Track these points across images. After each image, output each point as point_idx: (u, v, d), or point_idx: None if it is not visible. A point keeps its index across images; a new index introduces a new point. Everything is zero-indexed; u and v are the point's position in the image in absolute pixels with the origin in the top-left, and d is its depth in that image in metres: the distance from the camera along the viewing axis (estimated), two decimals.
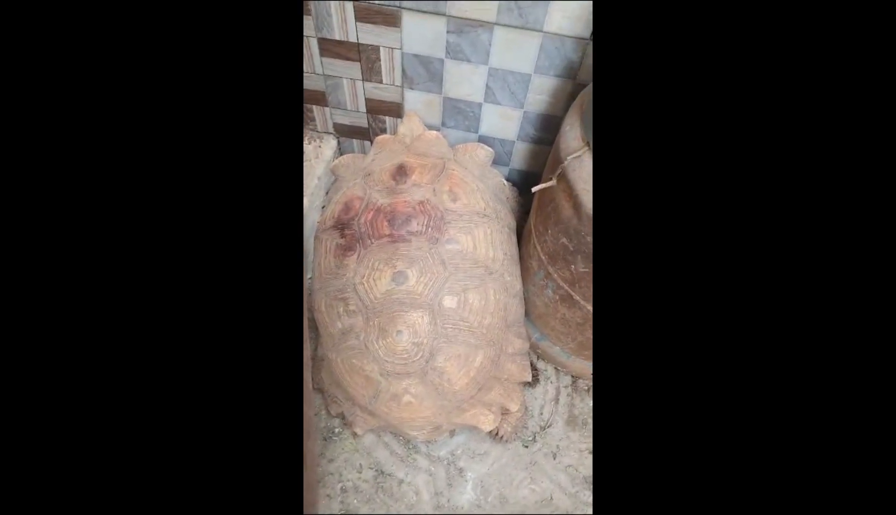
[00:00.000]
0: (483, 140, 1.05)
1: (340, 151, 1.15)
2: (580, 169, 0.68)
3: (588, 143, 0.68)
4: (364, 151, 1.13)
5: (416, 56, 0.90)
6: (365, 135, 1.10)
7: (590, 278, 0.77)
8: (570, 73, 0.89)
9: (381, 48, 0.90)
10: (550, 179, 0.73)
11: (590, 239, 0.70)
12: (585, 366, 1.01)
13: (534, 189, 0.75)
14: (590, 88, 0.74)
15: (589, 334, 0.90)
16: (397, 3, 0.82)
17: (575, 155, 0.68)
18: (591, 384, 1.06)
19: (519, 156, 1.08)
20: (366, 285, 0.82)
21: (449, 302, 0.81)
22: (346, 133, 1.11)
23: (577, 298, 0.83)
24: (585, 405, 1.04)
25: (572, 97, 0.92)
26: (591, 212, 0.67)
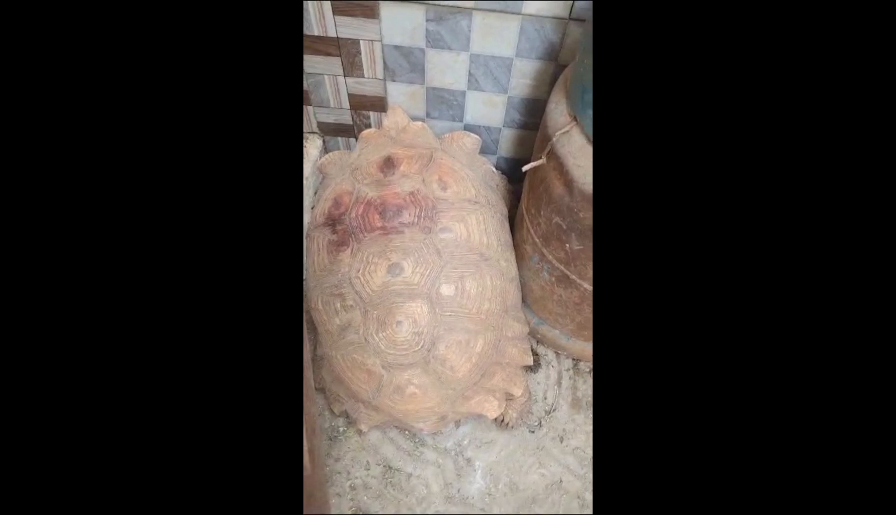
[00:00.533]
0: (469, 128, 1.05)
1: (326, 150, 1.14)
2: (569, 144, 0.68)
3: (575, 118, 0.68)
4: (349, 149, 1.13)
5: (396, 47, 0.90)
6: (349, 132, 1.10)
7: (584, 256, 0.77)
8: (551, 55, 0.89)
9: (361, 41, 0.90)
10: (540, 158, 0.72)
11: (582, 215, 0.70)
12: (585, 347, 1.01)
13: (525, 167, 0.75)
14: (573, 65, 0.74)
15: (586, 313, 0.90)
16: None
17: (563, 130, 0.68)
18: (591, 366, 1.06)
19: (506, 144, 1.08)
20: (362, 279, 0.82)
21: (446, 290, 0.81)
22: (330, 131, 1.10)
23: (574, 277, 0.83)
24: (588, 387, 1.04)
25: (555, 79, 0.92)
26: (582, 186, 0.67)
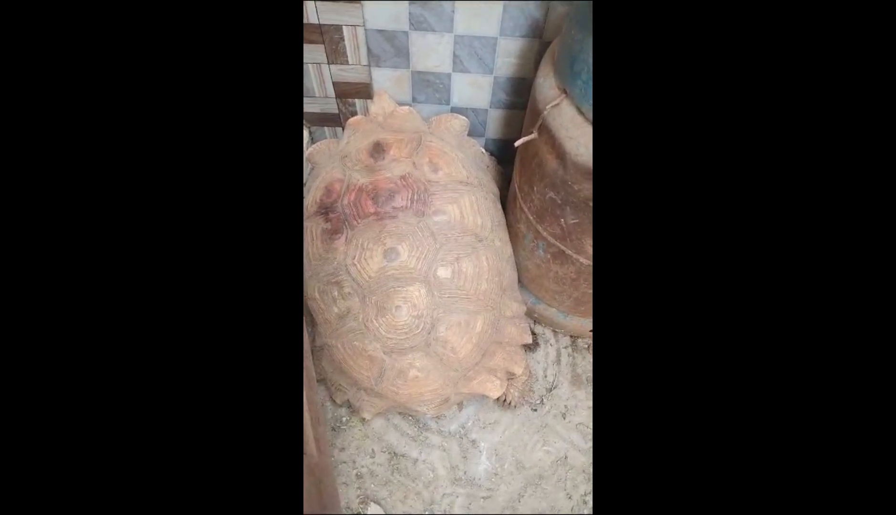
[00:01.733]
0: (456, 111, 1.04)
1: (312, 141, 1.13)
2: (560, 117, 0.68)
3: (564, 91, 0.68)
4: (336, 139, 1.12)
5: (380, 31, 0.89)
6: (336, 121, 1.09)
7: (580, 230, 0.78)
8: (535, 32, 0.88)
9: (344, 27, 0.89)
10: (531, 133, 0.72)
11: (577, 187, 0.70)
12: (582, 324, 1.01)
13: (517, 143, 0.75)
14: (560, 38, 0.74)
15: (583, 289, 0.90)
16: None
17: (553, 103, 0.68)
18: (590, 342, 1.07)
19: (494, 125, 1.08)
20: (358, 266, 0.81)
21: (443, 272, 0.81)
22: (316, 121, 1.09)
23: (570, 253, 0.83)
24: (587, 363, 1.04)
25: (540, 57, 0.92)
26: (575, 159, 0.67)
